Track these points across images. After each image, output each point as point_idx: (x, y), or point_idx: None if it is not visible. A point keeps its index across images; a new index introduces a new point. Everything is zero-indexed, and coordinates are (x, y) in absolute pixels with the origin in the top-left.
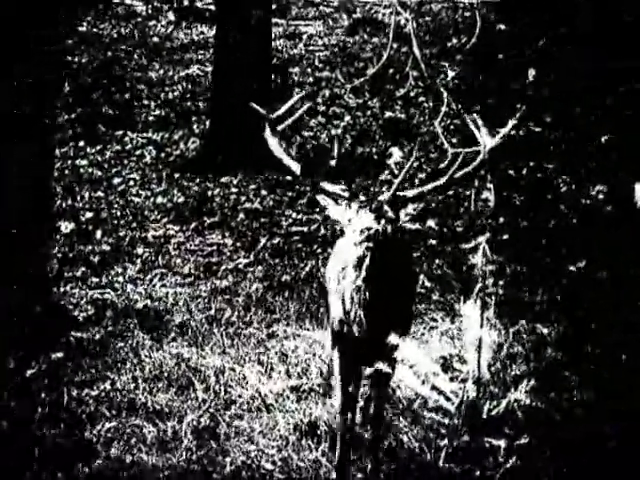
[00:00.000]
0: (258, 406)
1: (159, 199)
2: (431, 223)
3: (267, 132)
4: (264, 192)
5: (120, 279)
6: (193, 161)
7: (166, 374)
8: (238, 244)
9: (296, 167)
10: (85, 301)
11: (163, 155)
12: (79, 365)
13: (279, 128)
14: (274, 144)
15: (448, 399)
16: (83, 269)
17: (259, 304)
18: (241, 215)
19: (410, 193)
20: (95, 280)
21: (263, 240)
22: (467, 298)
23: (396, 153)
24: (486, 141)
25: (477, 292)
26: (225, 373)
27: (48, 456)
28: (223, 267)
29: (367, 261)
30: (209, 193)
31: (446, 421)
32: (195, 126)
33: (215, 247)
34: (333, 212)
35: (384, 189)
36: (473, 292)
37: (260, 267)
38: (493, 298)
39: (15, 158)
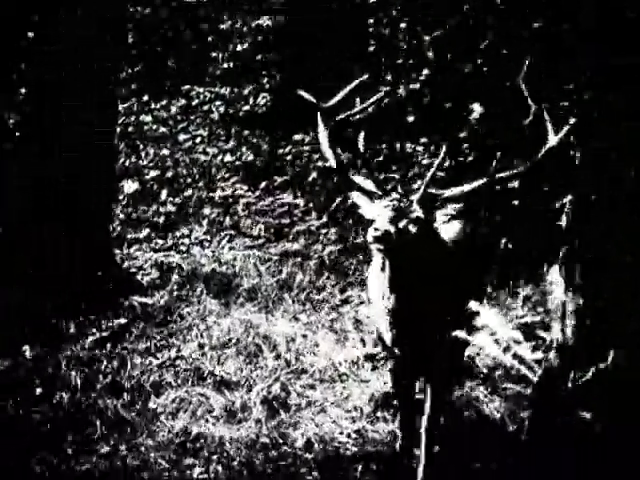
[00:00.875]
0: (331, 375)
1: (227, 157)
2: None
3: (319, 121)
4: (338, 150)
5: (186, 241)
6: (263, 117)
7: (234, 341)
8: (310, 204)
9: (332, 161)
10: (149, 264)
11: (232, 111)
12: (143, 332)
13: (333, 118)
14: (322, 135)
15: (530, 368)
16: (147, 231)
17: (332, 268)
18: (314, 174)
19: (448, 192)
20: (160, 242)
21: (337, 200)
22: (552, 262)
23: (477, 109)
24: (550, 139)
25: (563, 255)
26: (296, 340)
27: (111, 427)
28: (295, 229)
29: (387, 266)
30: (280, 151)
31: (528, 392)
32: (265, 80)
33: (286, 208)
34: (366, 211)
35: (422, 185)
36: (558, 255)
37: (334, 229)
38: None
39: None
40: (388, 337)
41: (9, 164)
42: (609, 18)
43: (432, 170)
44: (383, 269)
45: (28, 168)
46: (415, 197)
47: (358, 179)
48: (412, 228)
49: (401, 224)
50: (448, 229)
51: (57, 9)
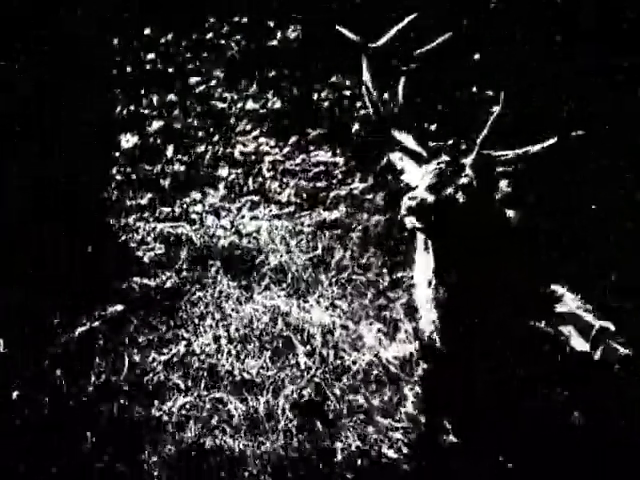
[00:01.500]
0: (378, 376)
1: (249, 104)
2: None
3: (363, 64)
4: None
5: (198, 208)
6: (294, 54)
7: (258, 333)
8: (352, 163)
9: (374, 111)
10: (152, 237)
11: (254, 46)
12: (144, 321)
13: (377, 45)
14: (367, 77)
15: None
16: (150, 196)
17: (380, 242)
18: (356, 125)
19: (505, 153)
20: (166, 210)
21: (386, 157)
22: None
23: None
24: None
25: None
26: (335, 332)
27: (105, 439)
28: (333, 194)
29: (430, 245)
30: (314, 96)
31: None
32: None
33: (322, 167)
34: (411, 178)
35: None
36: None
37: (381, 193)
38: None
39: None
40: (432, 331)
41: (9, 163)
42: (609, 18)
43: (488, 124)
44: (427, 248)
45: (28, 168)
46: (467, 160)
47: (401, 136)
48: (460, 197)
49: (445, 192)
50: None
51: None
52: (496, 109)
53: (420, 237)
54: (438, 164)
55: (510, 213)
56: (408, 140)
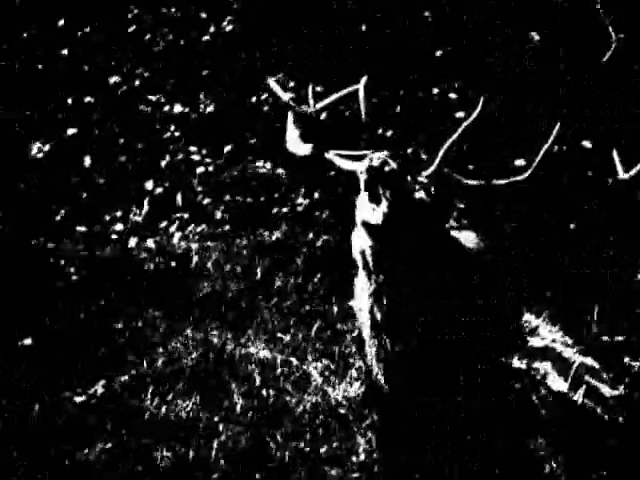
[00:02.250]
0: (326, 420)
1: (178, 107)
2: None
3: (289, 122)
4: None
5: (119, 227)
6: (229, 50)
7: (187, 371)
8: (296, 176)
9: (307, 148)
10: (66, 260)
11: (184, 41)
12: (57, 357)
13: (310, 110)
14: (294, 137)
15: (610, 410)
16: (64, 212)
17: (328, 266)
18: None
19: (470, 182)
20: (81, 229)
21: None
22: None
23: (535, 38)
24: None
25: None
26: (276, 370)
27: None
28: (274, 210)
29: (370, 255)
30: (253, 99)
31: (609, 444)
32: None
33: (261, 181)
34: (357, 204)
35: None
36: None
37: (329, 210)
38: None
39: None
40: (376, 369)
41: None
42: None
43: (454, 135)
44: (365, 267)
45: None
46: (426, 172)
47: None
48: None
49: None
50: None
51: None
52: (461, 114)
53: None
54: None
55: (469, 235)
56: (341, 162)
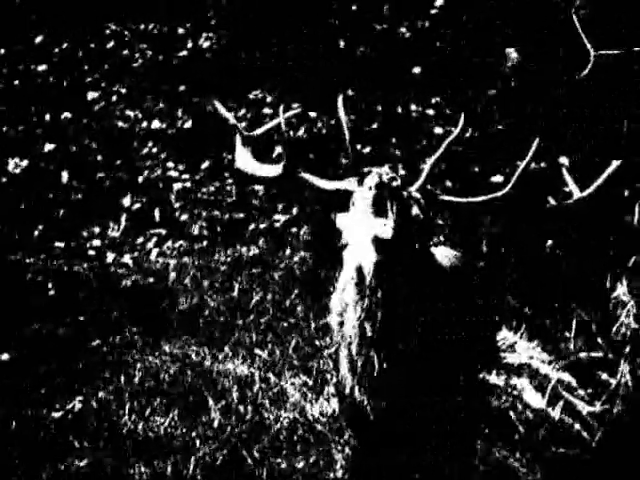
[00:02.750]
0: (303, 436)
1: (155, 123)
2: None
3: (237, 144)
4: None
5: (97, 243)
6: (207, 67)
7: (166, 386)
8: (273, 192)
9: (276, 169)
10: (44, 276)
11: (162, 57)
12: (34, 374)
13: (254, 134)
14: (245, 157)
15: (587, 426)
16: (41, 227)
17: (305, 283)
18: (278, 148)
19: (451, 199)
20: (59, 245)
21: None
22: (618, 275)
23: (512, 55)
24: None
25: (633, 264)
26: (254, 386)
27: None
28: (252, 226)
29: (370, 280)
30: (232, 113)
31: (585, 459)
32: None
33: (240, 196)
34: (341, 221)
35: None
36: (628, 263)
37: (306, 227)
38: None
39: None
40: (351, 385)
41: None
42: None
43: (438, 152)
44: (361, 289)
45: None
46: (412, 188)
47: (316, 179)
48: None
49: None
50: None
51: None
52: (439, 130)
53: (350, 268)
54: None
55: (446, 252)
56: (332, 183)
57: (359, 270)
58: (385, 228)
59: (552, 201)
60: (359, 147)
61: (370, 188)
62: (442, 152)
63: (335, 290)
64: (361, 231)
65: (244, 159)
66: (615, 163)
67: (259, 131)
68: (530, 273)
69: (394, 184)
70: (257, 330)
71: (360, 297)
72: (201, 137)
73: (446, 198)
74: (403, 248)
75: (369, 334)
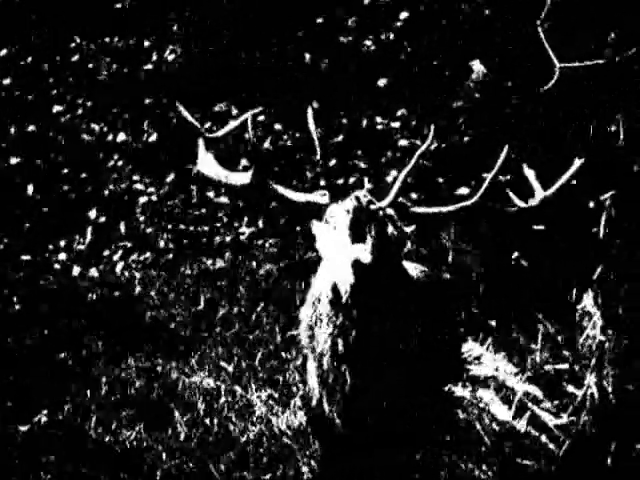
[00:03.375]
0: (270, 449)
1: (121, 136)
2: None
3: (200, 148)
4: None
5: (63, 256)
6: (172, 79)
7: (131, 400)
8: (240, 203)
9: (246, 177)
10: (9, 290)
11: (127, 70)
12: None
13: (217, 135)
14: (209, 162)
15: (554, 438)
16: (7, 240)
17: (271, 295)
18: (243, 161)
19: (422, 210)
20: (25, 258)
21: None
22: (584, 286)
23: (477, 67)
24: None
25: (599, 276)
26: (220, 399)
27: None
28: (217, 239)
29: (346, 300)
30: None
31: (550, 471)
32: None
33: (206, 209)
34: (317, 230)
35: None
36: (593, 274)
37: (273, 239)
38: (623, 285)
39: None
40: (321, 396)
41: None
42: None
43: (411, 162)
44: (338, 311)
45: None
46: (382, 204)
47: (288, 192)
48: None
49: (374, 243)
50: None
51: None
52: (405, 143)
53: (326, 285)
54: (348, 211)
55: (413, 265)
56: (304, 195)
57: (334, 289)
58: (365, 254)
59: (516, 199)
60: (324, 160)
61: (348, 212)
62: (413, 164)
63: (305, 302)
64: (339, 251)
65: (208, 164)
66: (578, 162)
67: (222, 132)
68: (496, 284)
69: (372, 207)
70: (223, 343)
71: (334, 314)
72: (166, 150)
73: (417, 210)
74: (380, 269)
75: (341, 350)
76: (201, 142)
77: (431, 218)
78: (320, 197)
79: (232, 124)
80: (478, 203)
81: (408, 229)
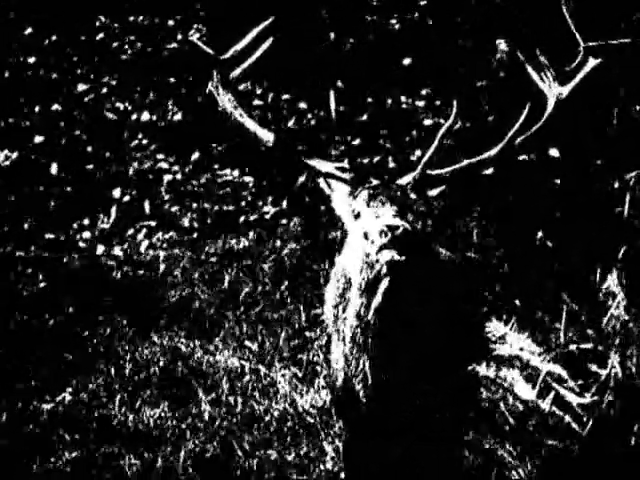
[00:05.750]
0: (294, 428)
1: (145, 115)
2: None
3: (214, 81)
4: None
5: (87, 235)
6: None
7: (155, 379)
8: (264, 183)
9: (267, 135)
10: (34, 267)
11: (152, 49)
12: (20, 365)
13: (234, 75)
14: (226, 99)
15: (577, 417)
16: (31, 219)
17: (296, 274)
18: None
19: (443, 171)
20: (49, 237)
21: (302, 177)
22: (609, 266)
23: (502, 47)
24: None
25: (623, 255)
26: (244, 377)
27: None
28: (241, 218)
29: (384, 282)
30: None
31: (574, 451)
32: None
33: (229, 188)
34: (339, 206)
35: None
36: (618, 254)
37: (297, 218)
38: None
39: None
40: (345, 375)
41: None
42: None
43: (437, 138)
44: (370, 289)
45: None
46: (408, 181)
47: (320, 164)
48: (419, 226)
49: (407, 221)
50: None
51: None
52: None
53: (363, 273)
54: (371, 189)
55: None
56: (327, 167)
57: (369, 265)
58: (396, 220)
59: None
60: (349, 139)
61: (372, 187)
62: (437, 143)
63: (330, 282)
64: (368, 222)
65: (227, 101)
66: (593, 61)
67: (237, 71)
68: (520, 264)
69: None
70: (247, 322)
71: (360, 293)
72: (191, 129)
73: (434, 172)
74: (415, 246)
75: (365, 329)
76: (214, 75)
77: (450, 177)
78: (346, 177)
79: (248, 61)
80: (496, 156)
81: (434, 192)
